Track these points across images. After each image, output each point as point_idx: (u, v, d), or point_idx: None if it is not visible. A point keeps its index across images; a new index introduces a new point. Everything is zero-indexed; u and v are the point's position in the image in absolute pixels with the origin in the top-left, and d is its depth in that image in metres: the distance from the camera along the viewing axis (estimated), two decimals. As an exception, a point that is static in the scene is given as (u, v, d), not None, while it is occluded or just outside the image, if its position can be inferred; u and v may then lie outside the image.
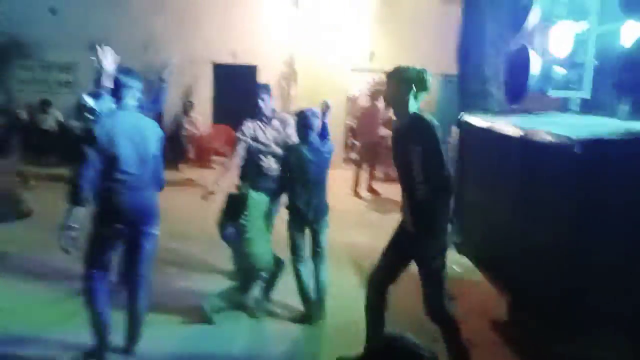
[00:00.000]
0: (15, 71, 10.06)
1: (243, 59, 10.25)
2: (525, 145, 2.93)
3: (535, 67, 3.77)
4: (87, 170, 2.79)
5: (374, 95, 8.80)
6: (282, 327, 3.75)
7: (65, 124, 9.48)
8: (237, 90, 9.92)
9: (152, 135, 3.07)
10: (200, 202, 3.98)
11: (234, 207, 3.65)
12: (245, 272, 3.79)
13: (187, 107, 9.90)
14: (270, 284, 3.89)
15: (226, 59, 10.25)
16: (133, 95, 3.02)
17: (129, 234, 3.02)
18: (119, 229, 2.97)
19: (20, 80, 10.07)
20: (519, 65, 3.95)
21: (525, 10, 3.82)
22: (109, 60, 3.62)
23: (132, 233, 3.02)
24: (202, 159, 9.66)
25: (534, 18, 3.84)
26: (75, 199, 2.80)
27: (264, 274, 3.81)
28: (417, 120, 2.70)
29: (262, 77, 10.24)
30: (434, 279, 2.75)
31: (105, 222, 2.96)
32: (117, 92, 3.00)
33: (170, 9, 9.98)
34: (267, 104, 4.27)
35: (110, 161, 2.84)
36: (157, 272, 3.64)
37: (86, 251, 3.00)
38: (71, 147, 8.83)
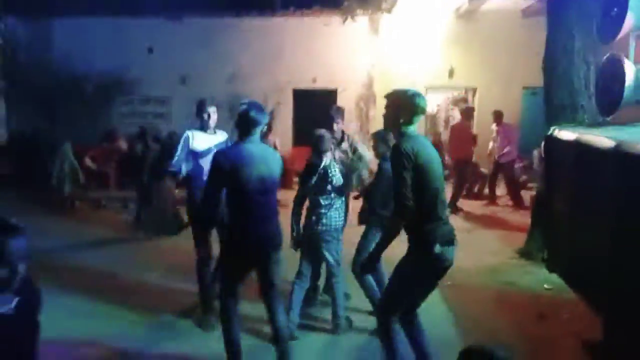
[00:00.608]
0: (118, 106, 11.08)
1: (323, 84, 10.56)
2: (620, 158, 2.79)
3: (630, 76, 3.58)
4: (211, 195, 2.99)
5: (464, 113, 8.85)
6: (363, 339, 3.80)
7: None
8: (317, 113, 10.21)
9: (276, 165, 3.12)
10: (283, 222, 4.14)
11: (309, 170, 3.85)
12: (310, 241, 3.85)
13: (264, 130, 10.20)
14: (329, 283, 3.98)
15: (307, 84, 10.61)
16: (260, 129, 3.12)
17: (260, 261, 3.10)
18: (250, 259, 3.09)
19: (122, 114, 11.07)
20: (611, 75, 3.76)
21: (619, 19, 3.65)
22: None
23: (263, 259, 3.09)
24: (284, 180, 9.95)
25: (627, 26, 3.65)
26: (204, 220, 3.21)
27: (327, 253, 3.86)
28: (395, 144, 2.77)
29: (341, 100, 10.47)
30: (391, 283, 2.89)
31: (238, 253, 3.06)
32: (246, 126, 3.04)
33: (255, 43, 10.56)
34: (339, 127, 4.45)
35: (240, 193, 2.96)
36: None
37: (221, 281, 3.17)
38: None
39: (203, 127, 4.06)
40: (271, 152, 3.20)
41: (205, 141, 4.05)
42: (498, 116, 8.85)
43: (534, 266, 5.31)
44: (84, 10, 10.13)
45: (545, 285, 4.78)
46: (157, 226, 6.71)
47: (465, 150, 8.40)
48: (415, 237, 2.74)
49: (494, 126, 8.85)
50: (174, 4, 9.96)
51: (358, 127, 10.47)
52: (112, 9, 10.04)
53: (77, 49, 10.61)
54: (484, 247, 6.24)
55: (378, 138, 4.01)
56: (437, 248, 2.68)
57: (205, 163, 3.95)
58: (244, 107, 3.03)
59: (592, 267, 3.18)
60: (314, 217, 3.82)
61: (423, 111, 2.84)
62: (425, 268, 2.77)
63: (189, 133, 4.02)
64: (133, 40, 10.59)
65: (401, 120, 2.81)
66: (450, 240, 2.77)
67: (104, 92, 10.94)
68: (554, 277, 4.09)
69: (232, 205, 3.04)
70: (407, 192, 2.64)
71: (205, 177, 3.92)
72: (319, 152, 3.85)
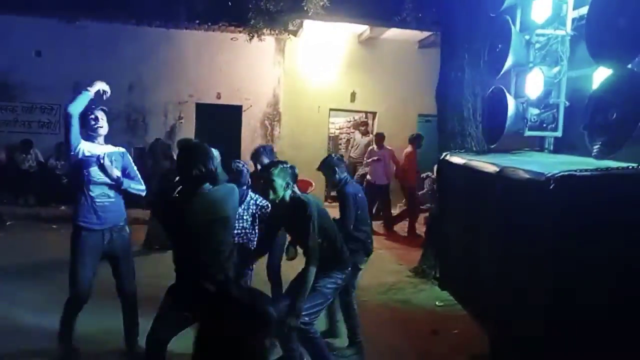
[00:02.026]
0: (-2, 112, 10.00)
1: (227, 100, 10.40)
2: (502, 182, 3.01)
3: (511, 108, 3.91)
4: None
5: (413, 141, 8.85)
6: None
7: (45, 163, 9.41)
8: (221, 129, 10.06)
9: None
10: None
11: None
12: None
13: (159, 146, 8.80)
14: None
15: (210, 99, 10.38)
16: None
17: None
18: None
19: (3, 121, 10.01)
20: (495, 106, 4.09)
21: (501, 57, 3.99)
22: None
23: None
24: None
25: (509, 63, 4.01)
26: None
27: None
28: (298, 204, 3.24)
29: (246, 117, 10.39)
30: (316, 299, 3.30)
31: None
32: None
33: (157, 53, 10.13)
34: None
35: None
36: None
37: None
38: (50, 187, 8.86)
39: (89, 135, 3.50)
40: (227, 198, 2.92)
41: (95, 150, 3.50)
42: (381, 139, 8.90)
43: (427, 284, 5.57)
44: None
45: (437, 303, 5.02)
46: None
47: (414, 176, 8.67)
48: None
49: (375, 148, 8.88)
50: (68, 5, 9.27)
51: None
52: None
53: (-51, 46, 9.47)
54: (383, 266, 6.44)
55: (327, 168, 4.11)
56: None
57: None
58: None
59: (480, 285, 3.38)
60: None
61: (295, 180, 3.32)
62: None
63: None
64: (19, 40, 9.67)
65: (283, 190, 3.22)
66: None
67: (-18, 97, 9.84)
68: (446, 295, 4.30)
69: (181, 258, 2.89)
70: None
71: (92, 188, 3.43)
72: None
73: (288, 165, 3.33)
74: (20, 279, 5.07)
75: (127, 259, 3.62)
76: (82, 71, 9.64)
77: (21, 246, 6.48)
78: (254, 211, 4.04)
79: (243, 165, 4.05)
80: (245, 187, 3.99)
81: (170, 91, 10.27)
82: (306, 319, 3.19)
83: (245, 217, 4.00)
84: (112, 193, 3.49)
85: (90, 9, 9.35)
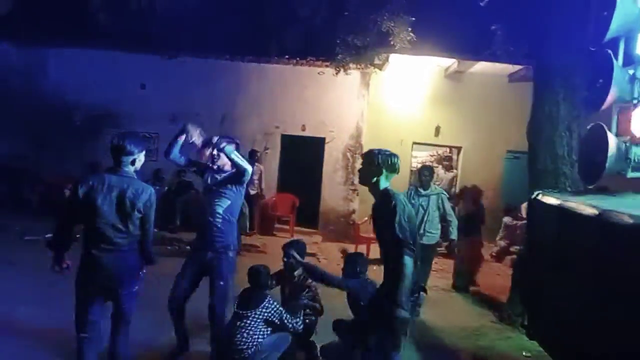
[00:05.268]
0: (106, 139, 10.95)
1: (311, 132, 10.64)
2: (602, 226, 2.79)
3: (612, 147, 3.64)
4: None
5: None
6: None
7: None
8: (304, 160, 10.33)
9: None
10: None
11: None
12: None
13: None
14: None
15: (295, 131, 10.68)
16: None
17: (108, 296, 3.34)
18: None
19: (109, 147, 10.90)
20: (594, 144, 3.83)
21: (602, 92, 3.75)
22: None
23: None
24: (266, 226, 9.82)
25: (611, 98, 3.75)
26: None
27: None
28: (385, 197, 3.05)
29: (329, 149, 10.54)
30: None
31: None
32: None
33: (248, 86, 10.67)
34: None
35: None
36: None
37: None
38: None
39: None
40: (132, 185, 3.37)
41: None
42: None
43: (514, 331, 5.22)
44: (80, 41, 10.18)
45: (524, 353, 4.67)
46: None
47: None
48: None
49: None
50: (170, 43, 10.08)
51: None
52: (108, 43, 10.10)
53: (70, 80, 10.57)
54: (465, 309, 6.14)
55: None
56: None
57: None
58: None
59: (574, 337, 3.11)
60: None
61: (397, 171, 3.23)
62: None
63: None
64: (127, 74, 10.62)
65: (378, 178, 3.11)
66: None
67: (93, 124, 10.81)
68: (534, 345, 4.00)
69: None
70: (402, 231, 2.87)
71: None
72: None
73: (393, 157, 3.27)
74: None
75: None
76: (180, 103, 10.43)
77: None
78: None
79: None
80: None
81: (258, 122, 10.71)
82: None
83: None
84: None
85: (189, 46, 10.09)
